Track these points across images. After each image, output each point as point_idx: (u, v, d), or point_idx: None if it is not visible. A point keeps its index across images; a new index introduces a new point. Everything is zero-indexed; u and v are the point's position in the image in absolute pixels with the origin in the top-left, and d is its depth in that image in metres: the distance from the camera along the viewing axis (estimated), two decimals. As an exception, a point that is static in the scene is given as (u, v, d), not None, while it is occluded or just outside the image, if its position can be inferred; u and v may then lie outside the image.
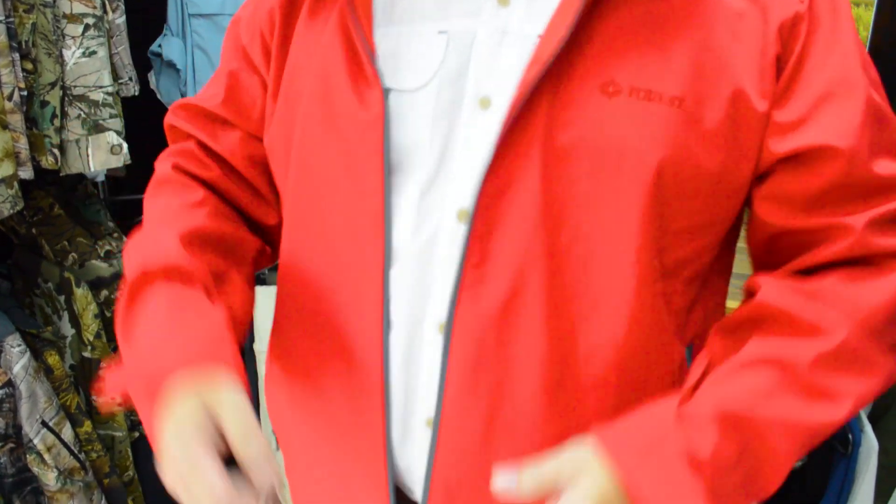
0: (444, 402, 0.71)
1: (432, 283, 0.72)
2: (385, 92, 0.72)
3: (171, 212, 0.80)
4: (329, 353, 0.77)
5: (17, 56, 1.47)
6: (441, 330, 0.71)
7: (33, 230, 1.78)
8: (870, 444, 1.40)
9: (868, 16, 1.90)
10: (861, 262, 0.69)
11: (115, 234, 1.90)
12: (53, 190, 1.84)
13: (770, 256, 0.75)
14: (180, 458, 0.58)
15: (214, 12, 1.89)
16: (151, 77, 1.99)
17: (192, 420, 0.60)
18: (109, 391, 0.71)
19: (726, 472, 0.64)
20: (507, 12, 0.70)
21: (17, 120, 1.47)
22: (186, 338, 0.66)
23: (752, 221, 0.76)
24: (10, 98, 1.45)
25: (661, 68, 0.66)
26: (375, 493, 0.75)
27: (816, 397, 0.65)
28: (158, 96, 2.00)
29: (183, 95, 1.93)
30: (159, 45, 1.93)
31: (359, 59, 0.73)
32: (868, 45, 1.87)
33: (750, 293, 0.74)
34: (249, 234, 0.87)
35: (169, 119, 0.90)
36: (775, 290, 0.70)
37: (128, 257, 0.76)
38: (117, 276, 1.82)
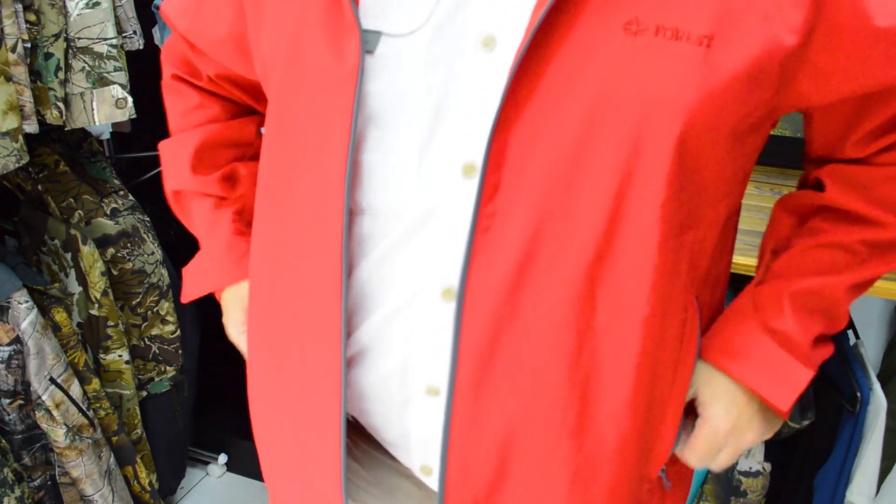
0: (459, 374, 0.66)
1: (436, 246, 0.67)
2: (373, 36, 0.66)
3: (176, 119, 1.02)
4: (291, 321, 0.76)
5: (19, 7, 1.44)
6: (446, 297, 0.67)
7: (39, 187, 1.77)
8: (878, 402, 1.39)
9: None
10: None
11: (122, 192, 1.88)
12: (59, 147, 1.82)
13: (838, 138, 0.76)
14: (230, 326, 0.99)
15: (219, -34, 1.85)
16: (156, 32, 1.96)
17: (228, 309, 0.99)
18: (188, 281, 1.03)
19: (811, 336, 0.75)
20: None
21: (21, 72, 1.45)
22: (213, 259, 0.99)
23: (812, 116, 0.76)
24: (13, 50, 1.43)
25: (686, 3, 0.60)
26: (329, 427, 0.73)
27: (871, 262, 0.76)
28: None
29: (188, 51, 1.90)
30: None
31: (338, 4, 0.67)
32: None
33: (811, 182, 0.79)
34: (247, 120, 1.00)
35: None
36: (841, 188, 0.75)
37: (164, 165, 1.02)
38: (123, 234, 1.81)
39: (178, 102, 1.02)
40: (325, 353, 0.71)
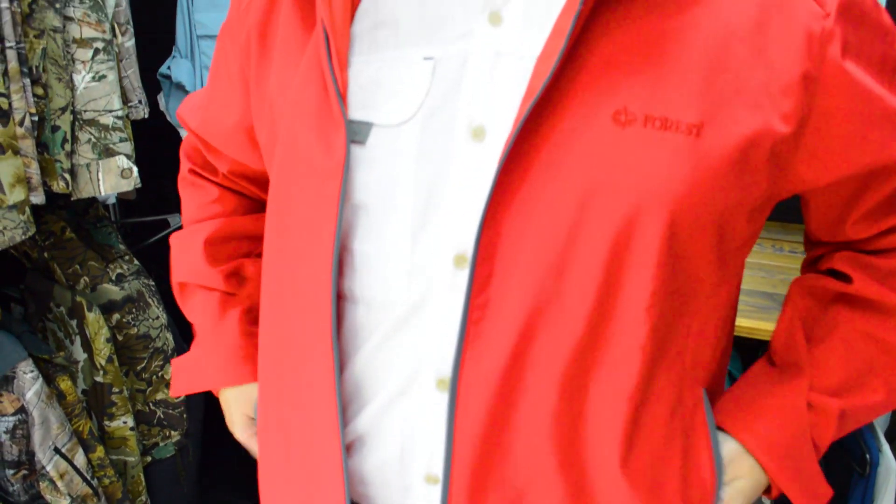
0: (454, 464, 0.65)
1: (429, 336, 0.66)
2: (365, 127, 0.67)
3: (192, 212, 1.02)
4: (291, 394, 0.76)
5: (27, 81, 1.47)
6: (441, 387, 0.66)
7: (45, 254, 1.78)
8: (888, 464, 1.38)
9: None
10: None
11: (127, 257, 1.89)
12: (65, 213, 1.84)
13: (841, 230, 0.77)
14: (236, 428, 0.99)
15: (223, 34, 1.89)
16: (161, 98, 2.00)
17: (232, 411, 0.99)
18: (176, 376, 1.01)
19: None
20: (501, 32, 0.65)
21: (28, 145, 1.47)
22: (217, 359, 0.97)
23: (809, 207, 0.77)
24: (21, 123, 1.45)
25: (675, 92, 0.60)
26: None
27: None
28: (168, 118, 2.01)
29: (192, 117, 1.93)
30: (168, 67, 1.94)
31: (328, 96, 0.68)
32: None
33: (825, 266, 0.80)
34: (262, 215, 0.98)
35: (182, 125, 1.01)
36: (864, 277, 0.76)
37: (173, 257, 1.02)
38: (129, 300, 1.82)
39: (194, 196, 1.03)
40: (326, 441, 0.70)
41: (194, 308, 1.01)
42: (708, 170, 0.61)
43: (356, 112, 0.67)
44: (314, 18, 0.72)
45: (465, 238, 0.64)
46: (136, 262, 1.91)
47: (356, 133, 0.66)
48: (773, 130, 0.62)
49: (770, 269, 1.57)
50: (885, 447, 1.37)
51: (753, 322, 1.29)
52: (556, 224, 0.61)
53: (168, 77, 1.94)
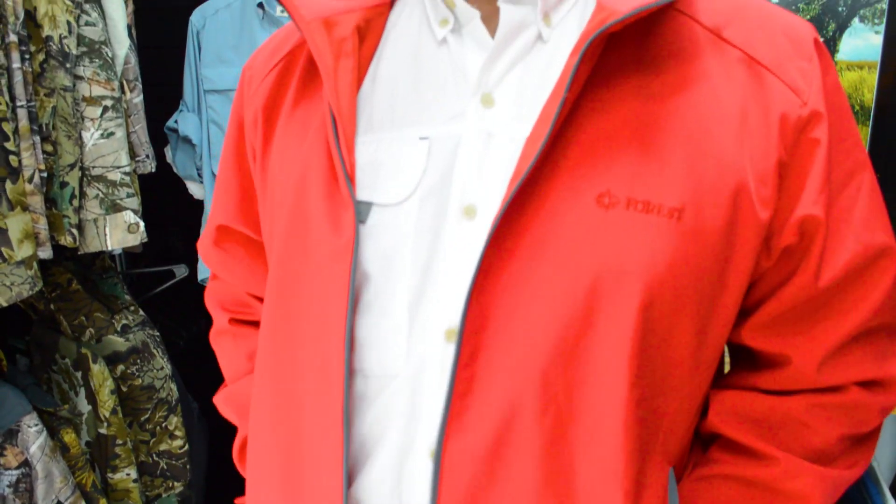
0: None
1: (422, 407, 0.67)
2: (365, 206, 0.69)
3: (239, 364, 0.96)
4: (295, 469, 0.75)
5: (37, 139, 1.50)
6: (432, 457, 0.66)
7: (51, 306, 1.79)
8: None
9: (872, 78, 1.92)
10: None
11: (132, 308, 1.91)
12: (71, 265, 1.86)
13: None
14: None
15: (229, 88, 1.93)
16: (168, 151, 2.03)
17: None
18: None
19: None
20: (493, 113, 0.67)
21: (37, 201, 1.50)
22: None
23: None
24: (30, 180, 1.48)
25: (658, 176, 0.62)
26: None
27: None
28: (175, 170, 2.04)
29: (198, 170, 1.96)
30: (175, 121, 1.97)
31: (336, 176, 0.70)
32: (873, 107, 1.89)
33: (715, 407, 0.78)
34: None
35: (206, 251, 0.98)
36: (732, 422, 0.75)
37: (226, 412, 0.96)
38: (133, 351, 1.83)
39: (240, 346, 0.97)
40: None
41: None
42: (688, 252, 0.63)
43: (359, 192, 0.70)
44: (319, 98, 0.74)
45: (455, 313, 0.65)
46: (141, 312, 1.92)
47: (359, 213, 0.68)
48: (753, 215, 0.64)
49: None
50: (890, 500, 1.36)
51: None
52: (540, 303, 0.63)
53: (175, 130, 1.97)
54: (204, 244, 0.98)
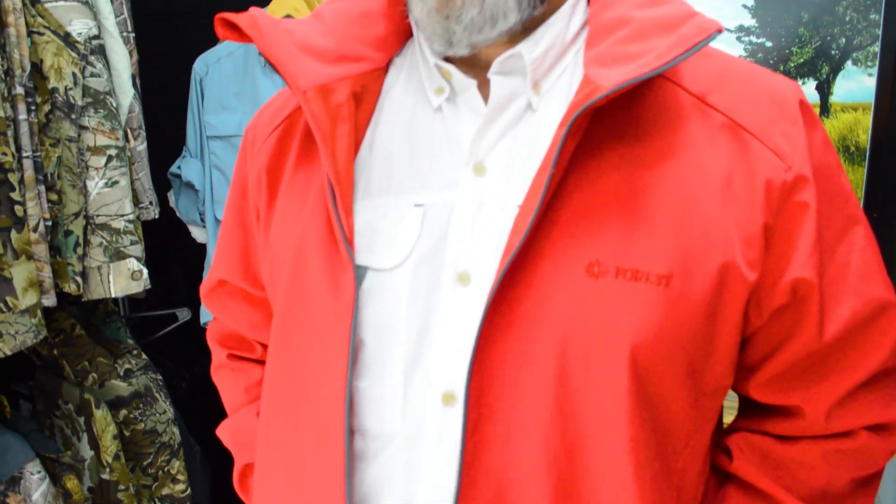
0: None
1: (420, 469, 0.68)
2: (361, 270, 0.70)
3: (237, 397, 0.99)
4: None
5: (42, 188, 1.52)
6: None
7: (55, 351, 1.81)
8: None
9: (866, 120, 1.94)
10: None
11: (135, 352, 1.92)
12: (74, 310, 1.88)
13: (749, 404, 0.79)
14: None
15: (231, 134, 1.96)
16: (171, 196, 2.05)
17: None
18: None
19: None
20: (484, 182, 0.69)
21: (41, 250, 1.52)
22: None
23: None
24: (35, 229, 1.50)
25: (645, 245, 0.64)
26: None
27: None
28: (178, 214, 2.06)
29: (201, 215, 1.98)
30: (178, 167, 2.00)
31: (335, 240, 0.71)
32: (868, 147, 1.91)
33: (726, 448, 0.79)
34: None
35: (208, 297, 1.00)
36: (748, 465, 0.77)
37: (225, 438, 0.99)
38: (136, 395, 1.84)
39: (238, 379, 1.00)
40: None
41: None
42: (677, 317, 0.64)
43: (356, 256, 0.71)
44: (319, 162, 0.76)
45: (452, 378, 0.67)
46: (143, 356, 1.93)
47: (356, 277, 0.70)
48: (742, 277, 0.66)
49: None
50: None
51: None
52: (536, 370, 0.64)
53: (178, 176, 1.99)
54: (205, 292, 1.00)
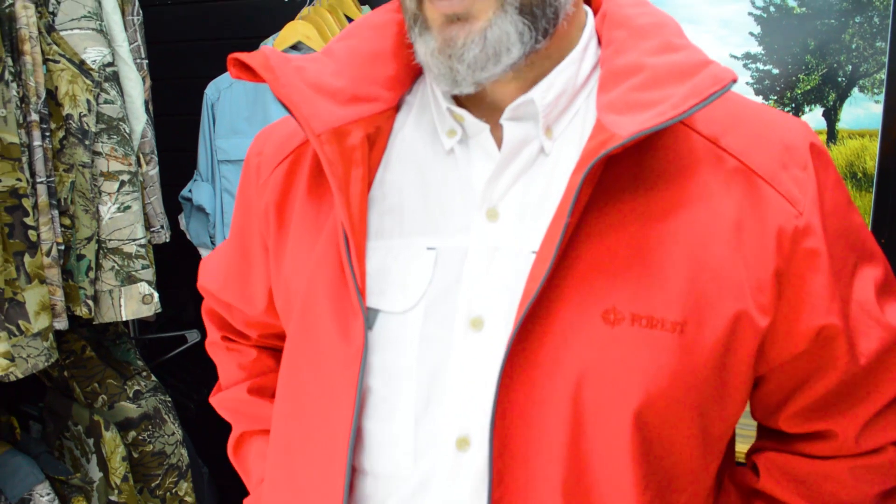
0: None
1: None
2: (372, 312, 0.70)
3: (232, 373, 1.02)
4: None
5: (55, 213, 1.54)
6: None
7: (65, 373, 1.82)
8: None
9: (873, 146, 1.95)
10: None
11: (144, 374, 1.93)
12: (85, 332, 1.89)
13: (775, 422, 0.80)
14: None
15: (242, 158, 1.97)
16: (182, 219, 2.07)
17: None
18: None
19: None
20: (497, 227, 0.69)
21: (54, 274, 1.54)
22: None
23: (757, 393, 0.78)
24: (48, 254, 1.52)
25: (660, 292, 0.64)
26: None
27: None
28: (188, 236, 2.08)
29: (212, 237, 2.00)
30: (189, 190, 2.02)
31: (346, 284, 0.71)
32: (876, 173, 1.92)
33: (752, 457, 0.82)
34: None
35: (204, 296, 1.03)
36: (775, 483, 0.78)
37: (220, 412, 1.03)
38: (145, 417, 1.85)
39: (232, 357, 1.02)
40: None
41: (248, 463, 0.99)
42: (691, 363, 0.65)
43: (367, 298, 0.71)
44: (330, 203, 0.76)
45: (467, 423, 0.67)
46: (153, 378, 1.94)
47: (367, 320, 0.70)
48: (753, 323, 0.66)
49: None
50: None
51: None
52: (555, 418, 0.64)
53: (189, 199, 2.01)
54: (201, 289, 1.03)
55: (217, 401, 1.03)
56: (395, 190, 0.75)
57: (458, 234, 0.70)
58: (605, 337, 0.64)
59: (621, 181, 0.67)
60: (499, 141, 0.72)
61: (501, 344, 0.66)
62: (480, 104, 0.73)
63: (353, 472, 0.72)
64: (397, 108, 0.80)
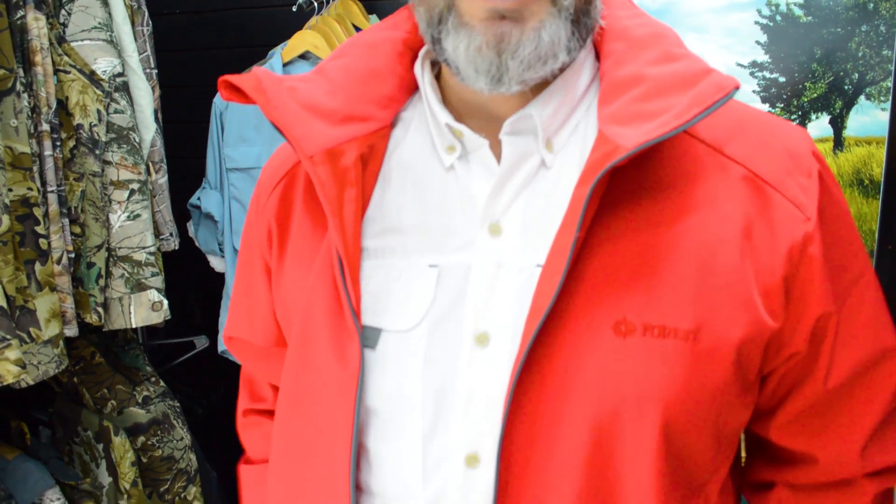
0: None
1: None
2: (375, 332, 0.70)
3: (260, 448, 0.98)
4: None
5: (66, 221, 1.55)
6: None
7: (75, 379, 1.84)
8: None
9: (880, 153, 1.95)
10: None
11: (153, 379, 1.95)
12: (94, 338, 1.91)
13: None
14: None
15: (250, 166, 1.98)
16: (190, 226, 2.08)
17: None
18: None
19: None
20: (501, 243, 0.69)
21: (64, 282, 1.55)
22: None
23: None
24: (58, 262, 1.53)
25: (671, 301, 0.64)
26: None
27: None
28: (196, 244, 2.09)
29: (220, 245, 2.01)
30: (198, 198, 2.03)
31: (342, 307, 0.70)
32: (883, 180, 1.92)
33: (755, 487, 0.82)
34: None
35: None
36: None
37: (248, 481, 0.97)
38: (154, 422, 1.86)
39: (258, 432, 1.00)
40: None
41: None
42: (706, 371, 0.65)
43: (367, 318, 0.70)
44: (325, 223, 0.75)
45: (476, 440, 0.66)
46: (161, 383, 1.96)
47: (367, 339, 0.70)
48: (764, 327, 0.66)
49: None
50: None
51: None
52: (567, 432, 0.64)
53: (198, 207, 2.02)
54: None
55: (246, 471, 1.00)
56: (393, 208, 0.74)
57: (461, 250, 0.70)
58: (618, 349, 0.63)
59: (625, 192, 0.67)
60: (498, 156, 0.72)
61: (508, 359, 0.66)
62: (478, 119, 0.73)
63: (361, 494, 0.71)
64: (392, 125, 0.79)
